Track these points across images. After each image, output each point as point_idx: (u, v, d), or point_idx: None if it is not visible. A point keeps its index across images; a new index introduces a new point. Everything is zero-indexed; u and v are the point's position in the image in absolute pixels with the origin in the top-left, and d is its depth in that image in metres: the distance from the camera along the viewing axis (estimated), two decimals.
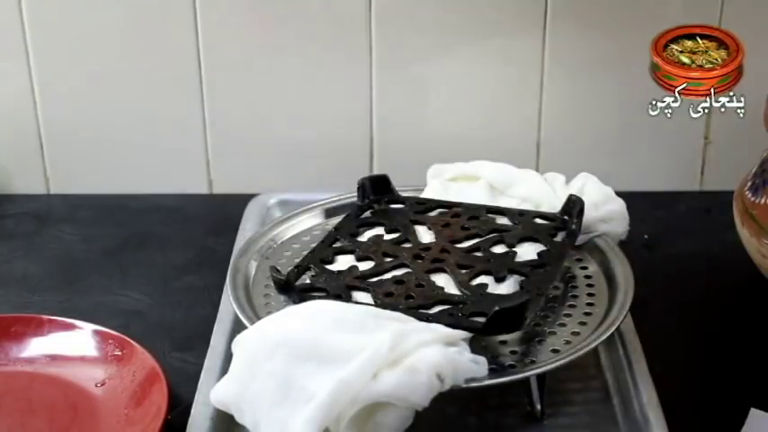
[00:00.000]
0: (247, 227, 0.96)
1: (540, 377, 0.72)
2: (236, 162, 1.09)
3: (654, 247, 0.99)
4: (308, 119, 1.07)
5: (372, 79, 1.05)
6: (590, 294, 0.78)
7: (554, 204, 0.84)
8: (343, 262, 0.78)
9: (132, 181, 1.09)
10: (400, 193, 0.89)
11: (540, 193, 0.86)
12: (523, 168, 0.89)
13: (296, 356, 0.64)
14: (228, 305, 0.80)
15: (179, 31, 1.03)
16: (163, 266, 0.96)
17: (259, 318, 0.72)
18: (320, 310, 0.68)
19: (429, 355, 0.64)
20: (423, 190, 0.90)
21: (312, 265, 0.78)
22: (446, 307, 0.71)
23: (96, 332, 0.81)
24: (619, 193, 0.86)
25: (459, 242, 0.80)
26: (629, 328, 0.80)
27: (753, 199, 0.85)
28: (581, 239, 0.83)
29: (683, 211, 1.06)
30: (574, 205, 0.82)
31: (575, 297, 0.77)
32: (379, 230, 0.83)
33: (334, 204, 0.90)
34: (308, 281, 0.76)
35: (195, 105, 1.06)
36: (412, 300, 0.72)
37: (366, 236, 0.82)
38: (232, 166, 1.09)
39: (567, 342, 0.72)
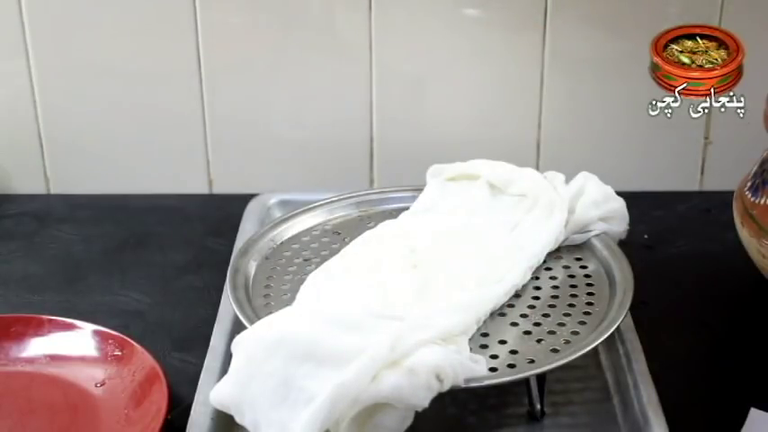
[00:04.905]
0: (247, 227, 0.96)
1: (540, 377, 0.72)
2: (236, 162, 1.09)
3: (654, 247, 0.99)
4: (308, 119, 1.07)
5: (372, 79, 1.05)
6: (590, 294, 0.78)
7: (553, 199, 0.84)
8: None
9: (132, 181, 1.09)
10: (400, 192, 0.90)
11: (539, 188, 0.85)
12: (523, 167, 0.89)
13: (295, 357, 0.64)
14: (228, 305, 0.80)
15: (179, 31, 1.03)
16: (163, 266, 0.96)
17: (259, 318, 0.71)
18: (320, 310, 0.68)
19: (428, 355, 0.64)
20: (422, 190, 0.90)
21: None
22: None
23: (96, 332, 0.81)
24: (619, 193, 0.86)
25: None
26: (629, 328, 0.80)
27: (753, 199, 0.85)
28: (581, 238, 0.83)
29: (683, 211, 1.06)
30: None
31: (574, 296, 0.77)
32: None
33: (334, 204, 0.90)
34: None
35: (195, 105, 1.06)
36: None
37: None
38: (232, 166, 1.09)
39: (567, 342, 0.72)
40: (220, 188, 1.10)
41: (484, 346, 0.71)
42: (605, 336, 0.71)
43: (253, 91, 1.06)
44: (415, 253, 0.79)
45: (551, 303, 0.76)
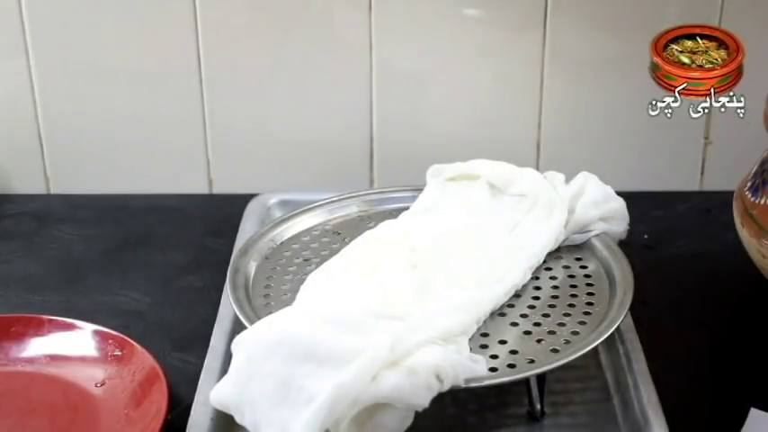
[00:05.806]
0: (247, 227, 0.96)
1: (540, 377, 0.72)
2: (236, 162, 1.09)
3: (654, 247, 0.99)
4: (308, 119, 1.07)
5: (372, 79, 1.05)
6: (590, 294, 0.78)
7: (553, 199, 0.84)
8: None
9: (132, 181, 1.09)
10: (400, 192, 0.90)
11: (539, 188, 0.85)
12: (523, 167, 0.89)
13: (295, 357, 0.64)
14: (228, 305, 0.80)
15: (179, 31, 1.03)
16: (163, 266, 0.96)
17: (259, 318, 0.72)
18: (320, 310, 0.68)
19: (428, 355, 0.64)
20: (422, 190, 0.90)
21: None
22: None
23: (96, 332, 0.81)
24: (619, 193, 0.86)
25: None
26: (629, 328, 0.80)
27: (753, 199, 0.85)
28: (581, 238, 0.83)
29: (683, 211, 1.06)
30: None
31: (574, 296, 0.77)
32: None
33: (334, 204, 0.90)
34: None
35: (195, 105, 1.06)
36: None
37: None
38: (232, 166, 1.09)
39: (567, 342, 0.72)
40: (220, 188, 1.10)
41: (484, 346, 0.71)
42: (605, 336, 0.71)
43: (253, 91, 1.06)
44: (415, 253, 0.79)
45: (551, 303, 0.76)
